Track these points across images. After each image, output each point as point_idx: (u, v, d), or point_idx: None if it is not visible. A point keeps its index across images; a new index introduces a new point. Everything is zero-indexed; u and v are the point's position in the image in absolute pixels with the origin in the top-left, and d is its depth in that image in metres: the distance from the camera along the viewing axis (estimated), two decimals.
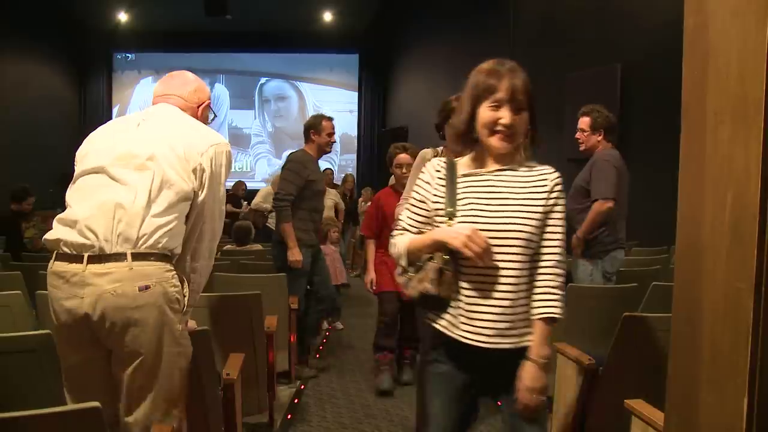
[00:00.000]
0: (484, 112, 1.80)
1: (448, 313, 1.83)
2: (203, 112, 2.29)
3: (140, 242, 1.86)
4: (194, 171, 2.00)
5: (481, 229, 1.73)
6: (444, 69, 11.37)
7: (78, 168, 2.01)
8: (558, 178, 1.85)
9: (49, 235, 1.93)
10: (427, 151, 3.07)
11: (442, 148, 2.98)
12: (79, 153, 2.06)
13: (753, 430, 1.03)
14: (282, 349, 3.83)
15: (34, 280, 3.43)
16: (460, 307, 1.80)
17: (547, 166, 1.88)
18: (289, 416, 3.58)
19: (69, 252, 1.87)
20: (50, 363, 2.03)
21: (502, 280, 1.76)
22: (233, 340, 2.76)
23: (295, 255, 4.23)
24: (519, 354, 1.80)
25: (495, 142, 1.81)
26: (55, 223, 1.94)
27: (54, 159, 10.79)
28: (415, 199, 1.92)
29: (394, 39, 14.40)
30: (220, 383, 2.43)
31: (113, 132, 2.08)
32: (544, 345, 1.80)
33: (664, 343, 2.41)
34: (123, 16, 14.05)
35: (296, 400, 3.86)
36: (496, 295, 1.77)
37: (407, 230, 1.92)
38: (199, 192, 2.03)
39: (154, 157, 1.94)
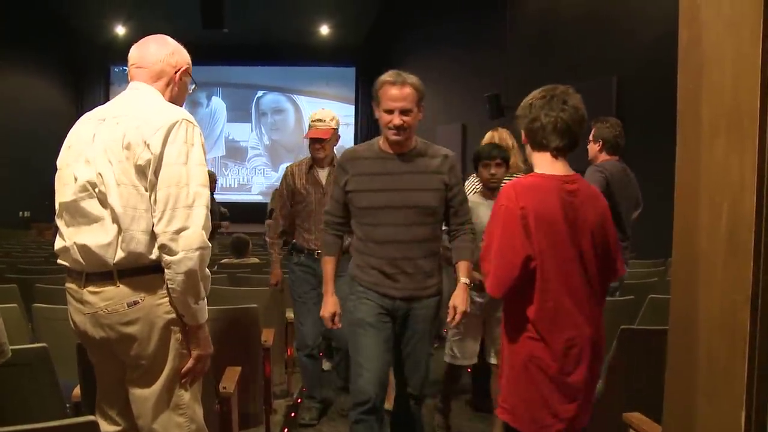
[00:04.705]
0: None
1: None
2: (182, 77, 2.12)
3: (122, 265, 1.88)
4: (146, 167, 1.85)
5: None
6: (440, 82, 11.40)
7: (57, 192, 2.03)
8: None
9: (57, 254, 2.01)
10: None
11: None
12: (58, 173, 2.06)
13: None
14: (278, 362, 3.82)
15: (30, 293, 3.42)
16: None
17: None
18: (285, 430, 3.57)
19: (71, 271, 1.96)
20: (46, 376, 2.04)
21: None
22: (230, 353, 2.74)
23: (326, 306, 2.69)
24: None
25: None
26: (56, 243, 1.99)
27: (50, 172, 10.69)
28: None
29: (390, 52, 14.47)
30: (217, 396, 2.42)
31: (76, 151, 2.02)
32: None
33: (661, 355, 2.40)
34: (120, 29, 14.12)
35: (293, 414, 3.84)
36: None
37: None
38: (156, 181, 1.86)
39: (108, 182, 1.88)
